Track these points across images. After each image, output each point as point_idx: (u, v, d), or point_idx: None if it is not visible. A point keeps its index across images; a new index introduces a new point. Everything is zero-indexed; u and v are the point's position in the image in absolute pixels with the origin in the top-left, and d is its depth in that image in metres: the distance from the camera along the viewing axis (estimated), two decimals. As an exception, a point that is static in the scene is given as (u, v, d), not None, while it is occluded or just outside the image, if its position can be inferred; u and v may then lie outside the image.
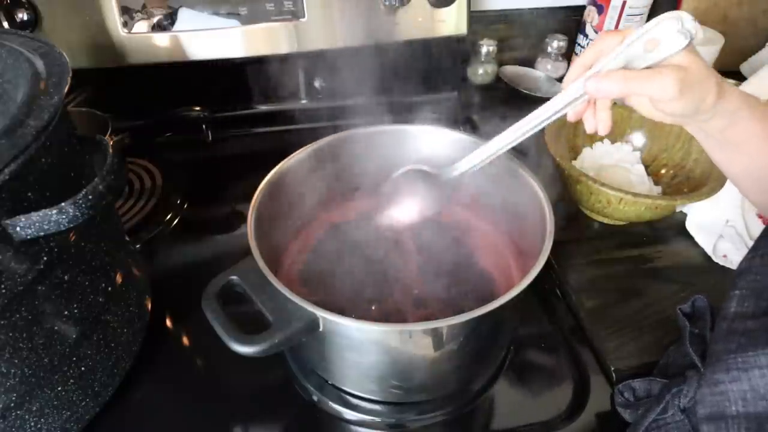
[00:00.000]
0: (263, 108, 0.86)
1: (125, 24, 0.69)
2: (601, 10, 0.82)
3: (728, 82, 0.38)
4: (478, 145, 0.46)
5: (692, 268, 0.61)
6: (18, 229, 0.33)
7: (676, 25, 0.34)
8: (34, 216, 0.33)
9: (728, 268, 0.60)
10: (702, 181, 0.62)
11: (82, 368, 0.44)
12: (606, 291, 0.58)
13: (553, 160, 0.62)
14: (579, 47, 0.88)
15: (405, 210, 0.50)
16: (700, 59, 0.36)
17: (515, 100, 0.85)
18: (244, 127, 0.86)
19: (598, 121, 0.40)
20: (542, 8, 0.92)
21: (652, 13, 0.84)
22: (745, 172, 0.41)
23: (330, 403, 0.50)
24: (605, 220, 0.66)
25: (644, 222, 0.64)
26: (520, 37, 0.94)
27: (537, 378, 0.53)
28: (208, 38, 0.72)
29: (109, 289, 0.46)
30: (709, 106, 0.37)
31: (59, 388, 0.42)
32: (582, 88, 0.38)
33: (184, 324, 0.57)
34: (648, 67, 0.36)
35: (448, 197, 0.48)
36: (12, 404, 0.39)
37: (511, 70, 0.90)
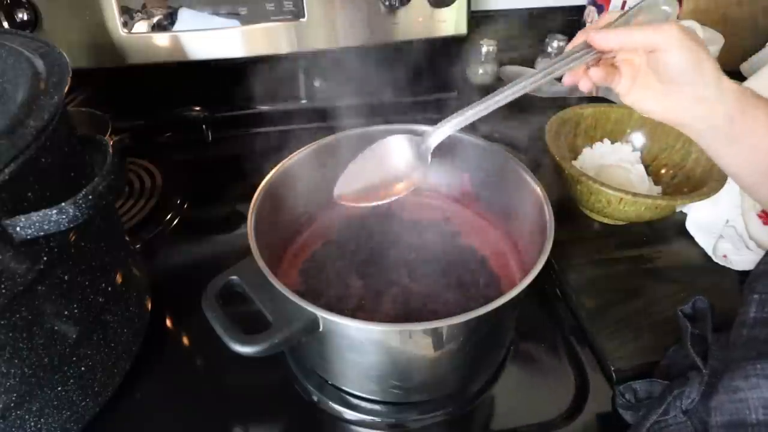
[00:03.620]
0: (263, 108, 0.86)
1: (125, 24, 0.69)
2: (601, 10, 0.82)
3: None
4: (479, 148, 0.45)
5: (692, 268, 0.61)
6: (18, 229, 0.33)
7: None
8: (34, 216, 0.33)
9: (728, 268, 0.60)
10: (702, 181, 0.62)
11: (82, 368, 0.44)
12: (606, 291, 0.58)
13: (553, 160, 0.62)
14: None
15: (390, 179, 0.47)
16: (693, 31, 0.37)
17: (515, 100, 0.85)
18: (244, 127, 0.86)
19: (591, 75, 0.41)
20: (542, 8, 0.92)
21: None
22: (753, 170, 0.40)
23: (330, 403, 0.50)
24: (605, 220, 0.66)
25: (644, 222, 0.64)
26: (520, 37, 0.94)
27: (537, 378, 0.53)
28: (208, 38, 0.72)
29: (109, 289, 0.46)
30: (711, 74, 0.37)
31: (59, 388, 0.42)
32: (582, 51, 0.40)
33: (184, 324, 0.57)
34: None
35: (427, 167, 0.46)
36: (12, 404, 0.39)
37: (511, 70, 0.90)
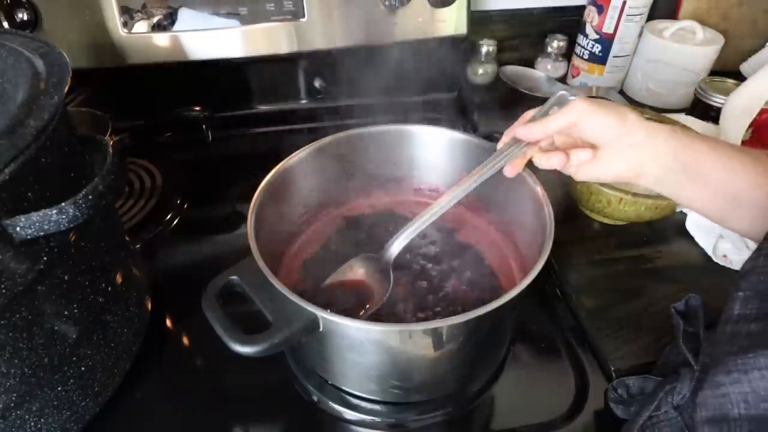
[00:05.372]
0: (263, 108, 0.86)
1: (125, 24, 0.69)
2: (601, 10, 0.82)
3: None
4: (479, 148, 0.47)
5: (692, 268, 0.61)
6: (18, 229, 0.33)
7: (566, 93, 0.48)
8: (34, 216, 0.33)
9: (728, 268, 0.60)
10: (702, 181, 0.62)
11: (82, 368, 0.44)
12: (606, 291, 0.58)
13: (553, 160, 0.62)
14: (579, 47, 0.88)
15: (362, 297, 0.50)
16: (603, 100, 0.43)
17: (515, 100, 0.85)
18: (244, 127, 0.86)
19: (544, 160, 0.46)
20: (542, 8, 0.92)
21: (652, 13, 0.84)
22: (716, 198, 0.42)
23: (330, 403, 0.50)
24: (605, 220, 0.66)
25: (644, 222, 0.64)
26: (520, 37, 0.94)
27: (537, 378, 0.53)
28: (208, 38, 0.72)
29: (109, 289, 0.46)
30: (634, 120, 0.42)
31: (59, 388, 0.42)
32: (512, 143, 0.46)
33: (184, 324, 0.57)
34: None
35: (391, 277, 0.49)
36: (12, 404, 0.39)
37: (511, 70, 0.90)
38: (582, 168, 0.45)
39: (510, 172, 0.47)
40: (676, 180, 0.43)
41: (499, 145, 0.48)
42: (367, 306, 0.48)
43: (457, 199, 0.47)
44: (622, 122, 0.41)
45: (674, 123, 0.65)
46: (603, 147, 0.43)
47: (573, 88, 0.45)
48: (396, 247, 0.49)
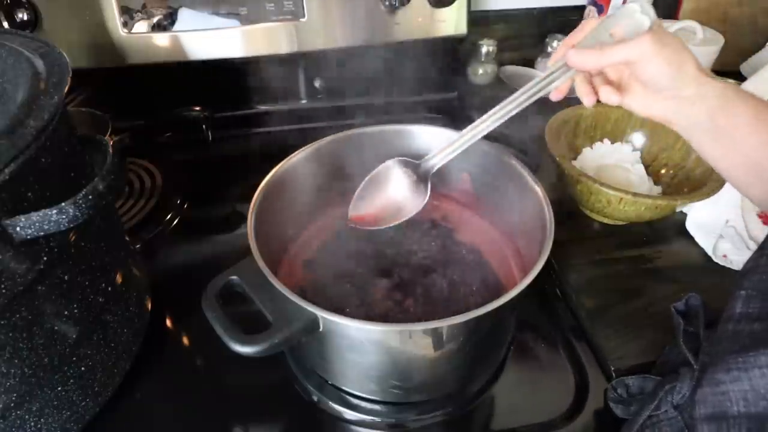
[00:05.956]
0: (263, 108, 0.86)
1: (125, 24, 0.69)
2: (601, 10, 0.82)
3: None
4: (479, 148, 0.47)
5: (692, 268, 0.61)
6: (18, 229, 0.33)
7: (637, 7, 0.40)
8: (34, 216, 0.33)
9: (728, 268, 0.60)
10: (702, 181, 0.62)
11: (82, 368, 0.44)
12: (606, 291, 0.58)
13: (553, 160, 0.62)
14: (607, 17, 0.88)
15: (392, 205, 0.51)
16: (672, 35, 0.39)
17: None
18: (244, 127, 0.86)
19: (582, 94, 0.44)
20: (542, 8, 0.92)
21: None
22: (735, 163, 0.41)
23: (330, 403, 0.50)
24: (605, 220, 0.66)
25: (644, 222, 0.64)
26: (520, 37, 0.94)
27: (537, 378, 0.53)
28: (208, 38, 0.72)
29: (109, 289, 0.46)
30: (692, 75, 0.39)
31: (59, 388, 0.42)
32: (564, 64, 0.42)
33: (184, 324, 0.57)
34: None
35: (428, 189, 0.50)
36: (12, 404, 0.39)
37: (511, 70, 0.90)
38: (616, 98, 0.43)
39: (556, 96, 0.45)
40: (702, 136, 0.41)
41: (550, 61, 0.44)
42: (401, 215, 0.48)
43: (500, 121, 0.45)
44: (678, 74, 0.39)
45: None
46: (646, 89, 0.41)
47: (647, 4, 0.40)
48: (436, 160, 0.48)
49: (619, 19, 0.41)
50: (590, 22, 0.43)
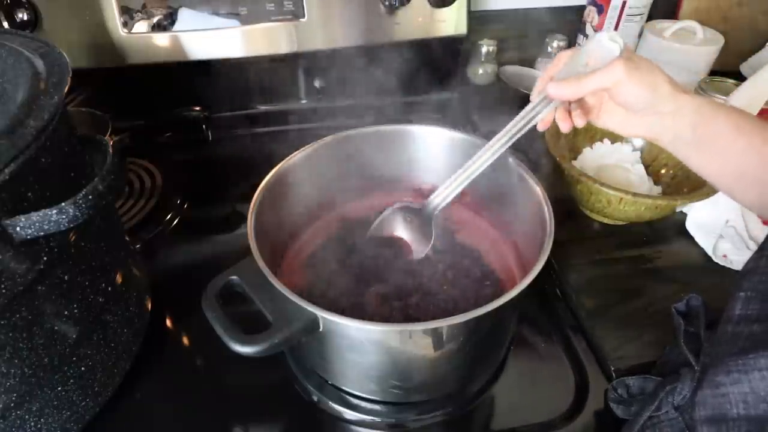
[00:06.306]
0: (263, 108, 0.86)
1: (125, 24, 0.69)
2: (601, 10, 0.82)
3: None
4: (479, 148, 0.47)
5: (692, 268, 0.61)
6: (18, 229, 0.33)
7: (605, 36, 0.42)
8: (34, 216, 0.33)
9: (728, 268, 0.60)
10: (702, 181, 0.61)
11: (82, 368, 0.44)
12: (606, 291, 0.58)
13: (553, 160, 0.62)
14: (579, 47, 0.88)
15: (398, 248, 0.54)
16: (643, 57, 0.41)
17: (515, 100, 0.85)
18: (244, 127, 0.86)
19: (559, 120, 0.46)
20: (542, 8, 0.92)
21: (652, 13, 0.84)
22: (724, 172, 0.42)
23: (330, 403, 0.50)
24: (605, 220, 0.66)
25: (644, 222, 0.64)
26: (520, 37, 0.94)
27: (537, 378, 0.53)
28: (208, 38, 0.72)
29: (109, 289, 0.46)
30: (667, 92, 0.41)
31: (59, 388, 0.42)
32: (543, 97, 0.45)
33: (184, 324, 0.57)
34: None
35: (432, 232, 0.52)
36: (12, 404, 0.39)
37: (511, 70, 0.90)
38: (600, 119, 0.46)
39: (542, 127, 0.47)
40: (687, 148, 0.43)
41: (533, 95, 0.47)
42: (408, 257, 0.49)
43: (496, 156, 0.47)
44: (653, 93, 0.41)
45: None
46: (626, 110, 0.43)
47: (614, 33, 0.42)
48: (438, 201, 0.50)
49: (591, 50, 0.43)
50: (564, 54, 0.45)
